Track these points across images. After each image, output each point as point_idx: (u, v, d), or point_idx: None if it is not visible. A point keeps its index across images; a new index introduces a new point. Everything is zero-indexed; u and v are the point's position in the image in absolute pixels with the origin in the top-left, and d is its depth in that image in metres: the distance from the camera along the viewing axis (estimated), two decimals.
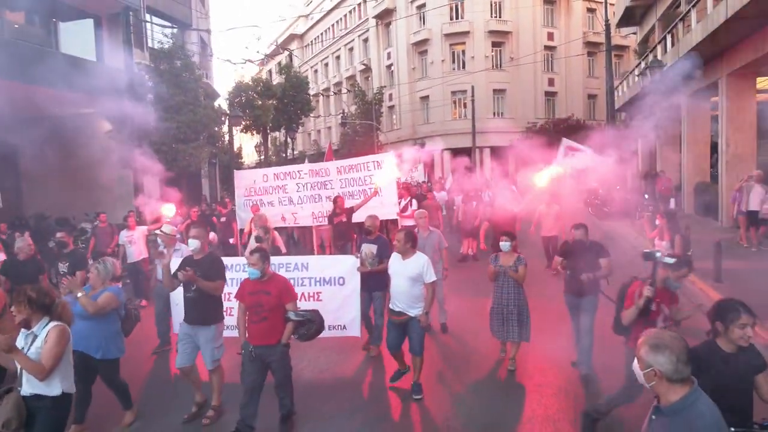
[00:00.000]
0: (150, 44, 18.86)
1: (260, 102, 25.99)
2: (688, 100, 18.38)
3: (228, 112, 20.98)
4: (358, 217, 9.69)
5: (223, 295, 6.36)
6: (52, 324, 3.81)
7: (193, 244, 5.42)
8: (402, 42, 41.08)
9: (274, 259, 6.98)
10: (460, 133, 37.06)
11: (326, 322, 6.56)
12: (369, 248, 6.82)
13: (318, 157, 35.28)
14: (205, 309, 5.28)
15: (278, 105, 28.24)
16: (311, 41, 55.81)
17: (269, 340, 4.89)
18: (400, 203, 11.81)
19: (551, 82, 39.82)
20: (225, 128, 20.86)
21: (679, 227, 7.66)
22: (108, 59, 17.17)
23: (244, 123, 24.33)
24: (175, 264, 5.78)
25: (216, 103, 22.00)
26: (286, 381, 5.07)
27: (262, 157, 31.51)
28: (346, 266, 6.95)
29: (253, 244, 8.35)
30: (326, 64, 53.69)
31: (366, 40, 46.48)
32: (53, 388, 3.81)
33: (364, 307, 6.94)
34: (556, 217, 11.03)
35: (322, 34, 54.28)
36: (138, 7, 17.54)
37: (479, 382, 6.10)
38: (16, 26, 15.99)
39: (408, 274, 5.58)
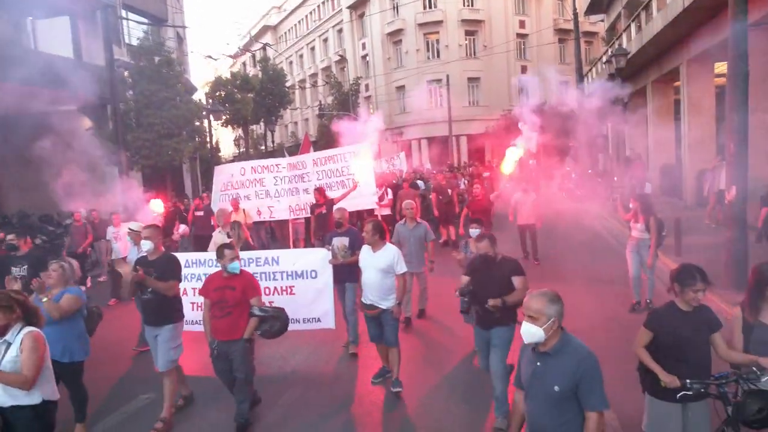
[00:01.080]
0: (127, 40, 18.90)
1: (239, 96, 26.17)
2: (652, 85, 19.25)
3: (208, 106, 21.15)
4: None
5: (192, 291, 6.46)
6: (26, 330, 3.57)
7: (146, 245, 5.27)
8: (376, 32, 41.33)
9: (244, 254, 6.86)
10: (436, 122, 37.62)
11: (301, 315, 6.56)
12: (340, 241, 6.70)
13: (296, 149, 35.48)
14: (162, 309, 5.14)
15: (256, 98, 28.45)
16: (285, 33, 55.61)
17: (233, 335, 4.87)
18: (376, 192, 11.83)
19: (524, 69, 40.56)
20: (206, 122, 21.04)
21: (653, 209, 7.87)
22: (85, 56, 17.22)
23: (224, 117, 24.49)
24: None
25: (196, 98, 22.13)
26: (246, 382, 4.96)
27: (242, 149, 31.63)
28: (317, 259, 6.79)
29: (217, 239, 8.00)
30: (301, 56, 53.60)
31: (340, 31, 46.58)
32: (33, 397, 3.60)
33: (340, 299, 6.88)
34: (533, 204, 10.99)
35: (295, 25, 54.11)
36: (114, 3, 17.57)
37: (460, 365, 6.26)
38: None
39: (378, 266, 5.51)
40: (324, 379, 6.20)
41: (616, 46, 19.33)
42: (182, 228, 12.15)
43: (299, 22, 53.40)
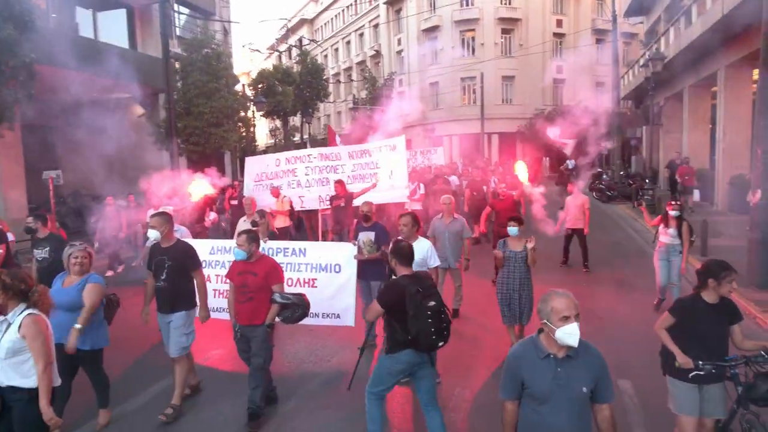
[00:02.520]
0: (178, 33, 19.85)
1: (281, 88, 27.06)
2: (689, 89, 19.27)
3: (252, 97, 22.01)
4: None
5: (216, 278, 6.64)
6: (27, 312, 3.52)
7: (153, 233, 5.22)
8: (412, 28, 41.70)
9: (273, 244, 6.97)
10: (469, 119, 37.88)
11: (320, 309, 6.36)
12: (366, 236, 6.58)
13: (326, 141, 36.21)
14: (176, 296, 5.16)
15: (296, 90, 29.33)
16: (321, 26, 56.41)
17: (254, 321, 4.90)
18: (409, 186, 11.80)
19: (560, 69, 40.40)
20: (249, 113, 21.93)
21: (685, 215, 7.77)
22: (140, 47, 18.24)
23: (265, 108, 25.37)
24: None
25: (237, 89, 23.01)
26: (262, 367, 4.95)
27: (278, 140, 32.53)
28: (342, 253, 6.67)
29: (242, 227, 8.07)
30: (336, 50, 54.32)
31: (376, 26, 47.08)
32: (30, 380, 3.50)
33: (363, 297, 6.64)
34: (582, 208, 10.39)
35: (332, 19, 54.83)
36: None
37: (491, 362, 6.19)
38: (54, 15, 16.94)
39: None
40: (345, 377, 5.87)
41: (653, 50, 19.39)
42: (212, 215, 12.32)
43: (336, 16, 54.10)
